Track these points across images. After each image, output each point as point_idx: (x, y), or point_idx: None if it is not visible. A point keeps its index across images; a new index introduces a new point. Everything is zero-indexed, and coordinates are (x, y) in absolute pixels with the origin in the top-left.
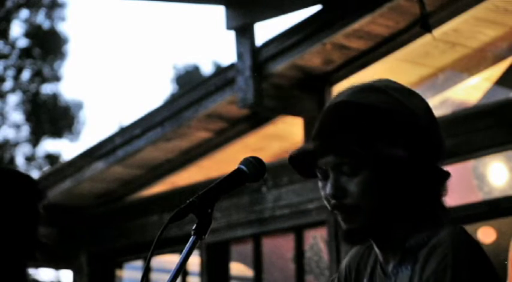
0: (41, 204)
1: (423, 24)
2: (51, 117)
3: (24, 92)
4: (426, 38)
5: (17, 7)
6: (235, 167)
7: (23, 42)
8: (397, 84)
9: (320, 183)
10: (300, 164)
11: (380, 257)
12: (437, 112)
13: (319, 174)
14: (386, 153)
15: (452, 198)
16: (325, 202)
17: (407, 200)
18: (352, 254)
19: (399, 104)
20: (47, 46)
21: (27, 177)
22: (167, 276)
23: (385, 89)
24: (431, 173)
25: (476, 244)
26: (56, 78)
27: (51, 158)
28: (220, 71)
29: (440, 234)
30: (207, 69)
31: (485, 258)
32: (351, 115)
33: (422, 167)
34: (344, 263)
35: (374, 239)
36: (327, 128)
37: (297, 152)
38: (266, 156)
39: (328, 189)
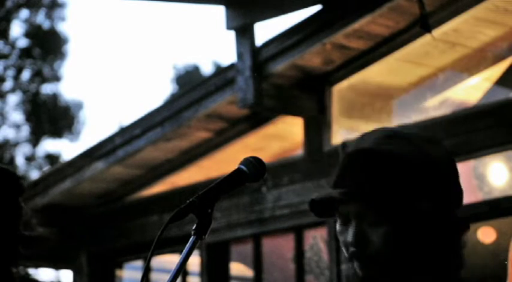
0: (21, 198)
1: (423, 24)
2: (51, 117)
3: (24, 92)
4: (426, 38)
5: (17, 7)
6: (235, 167)
7: (23, 42)
8: (420, 133)
9: (339, 228)
10: (320, 207)
11: None
12: (437, 112)
13: (339, 219)
14: (411, 204)
15: None
16: (343, 248)
17: (429, 253)
18: None
19: (423, 154)
20: (47, 46)
21: (7, 171)
22: (167, 276)
23: (409, 137)
24: (453, 224)
25: None
26: (56, 78)
27: (51, 158)
28: (220, 71)
29: None
30: (207, 69)
31: None
32: (376, 165)
33: (444, 218)
34: None
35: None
36: (351, 176)
37: (320, 198)
38: (266, 156)
39: (350, 236)
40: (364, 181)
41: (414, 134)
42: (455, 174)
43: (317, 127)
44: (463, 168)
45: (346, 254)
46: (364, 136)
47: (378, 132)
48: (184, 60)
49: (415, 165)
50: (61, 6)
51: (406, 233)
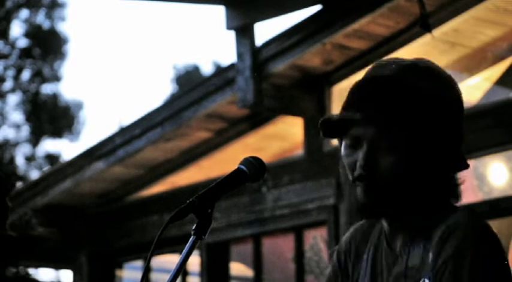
0: (8, 198)
1: (423, 24)
2: (51, 117)
3: (24, 92)
4: (426, 38)
5: (17, 7)
6: (235, 167)
7: (23, 42)
8: (434, 67)
9: (345, 151)
10: (332, 127)
11: (387, 232)
12: None
13: (348, 141)
14: (425, 136)
15: None
16: (348, 171)
17: (431, 181)
18: (355, 229)
19: (442, 91)
20: (47, 46)
21: None
22: (167, 276)
23: (430, 73)
24: (455, 158)
25: (491, 228)
26: (56, 78)
27: (51, 158)
28: (220, 71)
29: (455, 215)
30: (207, 69)
31: (499, 242)
32: (399, 93)
33: (451, 153)
34: (346, 237)
35: (389, 215)
36: (372, 99)
37: (337, 118)
38: (266, 156)
39: (360, 159)
40: (386, 106)
41: (435, 70)
42: (462, 114)
43: (317, 127)
44: None
45: (349, 178)
46: (384, 64)
47: (396, 63)
48: (184, 60)
49: (434, 100)
50: (61, 6)
51: (415, 163)
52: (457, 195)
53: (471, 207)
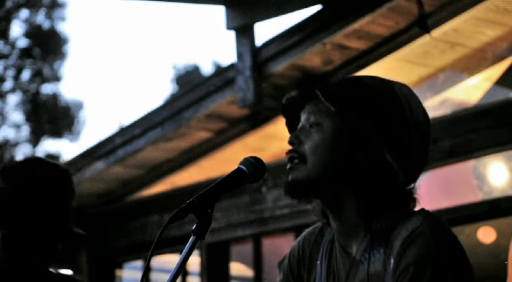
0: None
1: (421, 24)
2: (51, 117)
3: (24, 92)
4: (426, 38)
5: (17, 7)
6: (235, 167)
7: (23, 42)
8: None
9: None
10: (290, 113)
11: (341, 239)
12: (437, 112)
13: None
14: (355, 118)
15: (452, 198)
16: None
17: (358, 169)
18: (305, 236)
19: (386, 89)
20: (47, 46)
21: (67, 172)
22: (167, 276)
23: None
24: (394, 158)
25: (452, 232)
26: (56, 78)
27: (51, 158)
28: (220, 71)
29: (414, 220)
30: (207, 69)
31: (461, 246)
32: (353, 84)
33: (376, 158)
34: (296, 245)
35: (320, 198)
36: (330, 84)
37: (295, 93)
38: (266, 156)
39: (289, 138)
40: (336, 88)
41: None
42: (410, 121)
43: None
44: (463, 168)
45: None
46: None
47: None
48: (184, 60)
49: (374, 94)
50: (61, 6)
51: (338, 142)
52: (409, 195)
53: (430, 212)
